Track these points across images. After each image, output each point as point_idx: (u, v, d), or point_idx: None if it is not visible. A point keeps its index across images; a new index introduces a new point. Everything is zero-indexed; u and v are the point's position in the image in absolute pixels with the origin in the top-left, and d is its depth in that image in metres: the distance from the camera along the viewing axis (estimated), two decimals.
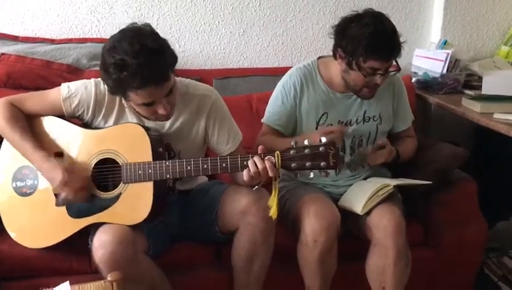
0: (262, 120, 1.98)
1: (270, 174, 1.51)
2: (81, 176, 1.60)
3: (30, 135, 1.64)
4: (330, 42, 1.87)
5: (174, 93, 1.59)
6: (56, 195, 1.65)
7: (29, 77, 2.16)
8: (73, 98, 1.66)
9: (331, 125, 1.91)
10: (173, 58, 1.55)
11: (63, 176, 1.57)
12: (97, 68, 2.17)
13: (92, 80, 1.69)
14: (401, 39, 1.78)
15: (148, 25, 1.56)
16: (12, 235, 1.69)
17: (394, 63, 1.81)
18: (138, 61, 1.45)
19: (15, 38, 2.31)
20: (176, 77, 1.61)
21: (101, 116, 1.68)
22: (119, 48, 1.47)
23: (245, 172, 1.53)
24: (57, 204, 1.65)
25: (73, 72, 2.19)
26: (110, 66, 1.48)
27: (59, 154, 1.67)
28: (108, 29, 2.42)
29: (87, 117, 1.68)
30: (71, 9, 2.40)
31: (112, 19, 2.42)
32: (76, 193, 1.59)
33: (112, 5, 2.42)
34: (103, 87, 1.67)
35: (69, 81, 1.72)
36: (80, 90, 1.66)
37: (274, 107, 1.95)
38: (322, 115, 1.91)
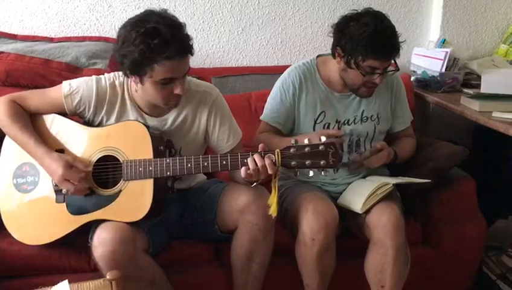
0: (260, 117, 1.98)
1: (270, 171, 1.51)
2: (81, 170, 1.60)
3: (32, 131, 1.64)
4: (329, 41, 1.87)
5: (186, 77, 1.61)
6: (56, 192, 1.65)
7: (28, 75, 2.15)
8: (74, 95, 1.66)
9: (329, 124, 1.91)
10: (191, 37, 1.58)
11: (63, 170, 1.57)
12: (96, 66, 2.20)
13: (93, 76, 1.69)
14: (400, 38, 1.78)
15: (166, 10, 1.57)
16: (12, 232, 1.69)
17: (393, 62, 1.82)
18: (172, 30, 1.49)
19: (14, 37, 2.31)
20: None
21: (102, 113, 1.68)
22: (150, 20, 1.49)
23: (243, 169, 1.53)
24: (57, 201, 1.65)
25: (72, 71, 2.19)
26: (138, 37, 1.48)
27: (60, 151, 1.66)
28: (107, 27, 2.42)
29: (89, 114, 1.68)
30: (70, 7, 2.40)
31: (111, 18, 2.42)
32: (76, 187, 1.59)
33: (110, 3, 2.42)
34: (104, 83, 1.67)
35: (68, 79, 1.72)
36: (81, 87, 1.66)
37: (273, 105, 1.95)
38: (320, 113, 1.91)
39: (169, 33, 1.48)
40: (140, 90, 1.63)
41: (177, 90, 1.57)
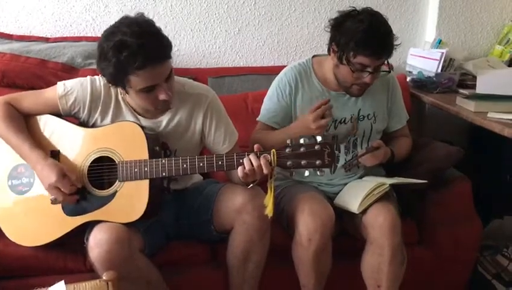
0: (257, 118, 1.97)
1: (265, 171, 1.51)
2: (73, 180, 1.59)
3: (26, 134, 1.64)
4: (325, 41, 1.87)
5: (173, 79, 1.59)
6: None
7: (24, 75, 2.15)
8: (69, 95, 1.66)
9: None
10: (169, 42, 1.56)
11: (56, 177, 1.56)
12: (92, 67, 2.20)
13: (88, 77, 1.69)
14: (397, 40, 1.78)
15: (142, 14, 1.56)
16: (7, 233, 1.68)
17: (386, 63, 1.82)
18: (138, 40, 1.46)
19: (9, 37, 2.30)
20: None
21: (97, 114, 1.68)
22: (117, 32, 1.48)
23: (240, 169, 1.53)
24: (53, 202, 1.64)
25: (68, 71, 2.19)
26: (109, 51, 1.48)
27: (55, 152, 1.66)
28: (103, 27, 2.33)
29: (84, 115, 1.68)
30: (66, 7, 2.39)
31: (107, 18, 2.42)
32: (65, 197, 1.59)
33: (106, 3, 2.41)
34: (99, 84, 1.67)
35: (63, 80, 1.72)
36: (76, 88, 1.66)
37: (270, 105, 1.95)
38: None
39: (135, 44, 1.45)
40: (129, 97, 1.63)
41: (162, 96, 1.56)
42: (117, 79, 1.54)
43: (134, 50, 1.45)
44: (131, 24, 1.49)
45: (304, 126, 1.78)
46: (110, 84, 1.60)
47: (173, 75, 1.60)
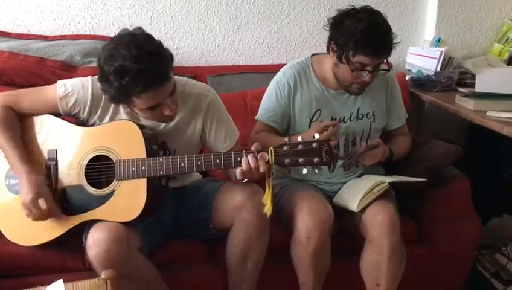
0: (256, 117, 1.97)
1: (262, 169, 1.51)
2: (44, 207, 1.57)
3: (18, 144, 1.63)
4: (324, 39, 1.87)
5: (176, 92, 1.59)
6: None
7: (23, 73, 2.14)
8: (69, 97, 1.65)
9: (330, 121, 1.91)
10: (171, 57, 1.55)
11: (30, 202, 1.56)
12: (91, 65, 2.19)
13: (89, 77, 1.67)
14: (396, 39, 1.78)
15: (140, 28, 1.55)
16: (5, 233, 1.68)
17: (385, 61, 1.82)
18: (138, 65, 1.44)
19: (8, 35, 2.29)
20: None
21: (97, 115, 1.67)
22: (117, 55, 1.46)
23: (238, 169, 1.53)
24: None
25: (67, 69, 2.18)
26: (109, 74, 1.47)
27: (53, 150, 1.66)
28: (102, 25, 2.41)
29: (83, 116, 1.68)
30: (64, 5, 2.39)
31: (106, 16, 2.41)
32: (36, 216, 1.58)
33: (105, 1, 2.41)
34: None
35: (62, 78, 1.72)
36: (77, 89, 1.65)
37: (268, 104, 1.95)
38: (316, 111, 1.91)
39: (136, 69, 1.44)
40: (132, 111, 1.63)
41: (167, 112, 1.57)
42: (120, 100, 1.56)
43: (135, 76, 1.45)
44: (130, 45, 1.46)
45: None
46: (112, 103, 1.60)
47: (176, 89, 1.59)
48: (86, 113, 1.67)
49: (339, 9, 1.82)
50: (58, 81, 1.68)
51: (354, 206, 1.77)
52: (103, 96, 1.65)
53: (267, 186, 1.55)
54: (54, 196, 1.62)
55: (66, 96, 1.65)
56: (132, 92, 1.48)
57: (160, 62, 1.49)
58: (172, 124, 1.70)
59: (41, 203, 1.57)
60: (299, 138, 1.53)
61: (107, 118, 1.68)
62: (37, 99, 1.69)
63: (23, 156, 1.61)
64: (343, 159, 1.90)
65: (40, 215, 1.59)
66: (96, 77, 1.66)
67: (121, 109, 1.68)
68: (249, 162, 1.51)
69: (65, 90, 1.65)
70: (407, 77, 2.54)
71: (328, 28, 1.83)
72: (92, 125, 1.69)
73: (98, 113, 1.67)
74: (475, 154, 2.44)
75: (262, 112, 1.97)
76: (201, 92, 1.73)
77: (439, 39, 2.59)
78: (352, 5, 1.80)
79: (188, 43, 2.51)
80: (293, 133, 1.92)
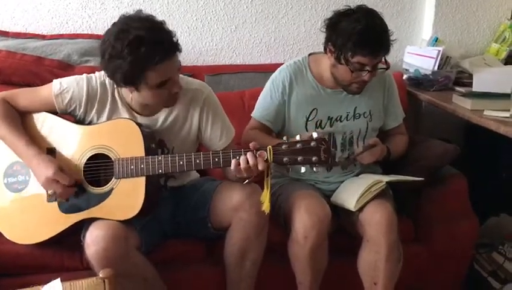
0: (251, 114, 1.98)
1: (260, 168, 1.51)
2: (70, 174, 1.58)
3: (22, 131, 1.63)
4: (322, 39, 1.87)
5: (181, 68, 1.62)
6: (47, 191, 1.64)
7: (20, 72, 2.14)
8: (65, 94, 1.65)
9: (321, 121, 1.92)
10: (174, 32, 1.57)
11: (53, 171, 1.56)
12: (89, 64, 2.19)
13: (84, 75, 1.68)
14: (393, 36, 1.79)
15: (140, 10, 1.56)
16: (3, 231, 1.68)
17: (383, 60, 1.82)
18: (154, 34, 1.47)
19: (5, 34, 2.29)
20: None
21: (93, 112, 1.67)
22: (130, 29, 1.48)
23: (235, 166, 1.53)
24: (49, 200, 1.64)
25: (65, 68, 2.18)
26: (124, 48, 1.46)
27: (51, 150, 1.66)
28: (100, 24, 2.41)
29: (80, 113, 1.68)
30: (62, 4, 2.38)
31: (103, 15, 2.41)
32: (63, 190, 1.58)
33: (103, 0, 2.40)
34: (95, 82, 1.67)
35: (60, 77, 1.72)
36: (72, 86, 1.66)
37: (263, 103, 1.95)
38: (312, 111, 1.92)
39: (153, 37, 1.47)
40: (136, 96, 1.62)
41: (175, 89, 1.59)
42: (132, 77, 1.52)
43: (153, 44, 1.46)
44: (141, 20, 1.50)
45: None
46: (122, 84, 1.57)
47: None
48: (82, 110, 1.67)
49: (335, 10, 1.82)
50: (54, 80, 1.69)
51: (351, 205, 1.77)
52: (98, 93, 1.65)
53: (265, 185, 1.55)
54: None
55: (62, 93, 1.65)
56: (149, 63, 1.48)
57: (170, 33, 1.53)
58: (168, 121, 1.70)
59: (66, 171, 1.57)
60: (297, 137, 1.53)
61: (104, 116, 1.68)
62: (34, 98, 1.69)
63: (28, 141, 1.61)
64: (341, 164, 1.91)
65: (70, 183, 1.57)
66: (91, 75, 1.67)
67: (120, 105, 1.68)
68: (247, 160, 1.52)
69: (60, 88, 1.65)
70: (405, 76, 2.55)
71: (324, 30, 1.84)
72: (90, 123, 1.69)
73: (95, 109, 1.67)
74: (472, 153, 2.44)
75: (257, 110, 1.97)
76: (197, 87, 1.73)
77: (437, 38, 2.60)
78: (348, 5, 1.80)
79: (186, 42, 2.50)
80: (288, 132, 1.92)
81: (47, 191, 1.63)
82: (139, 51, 1.46)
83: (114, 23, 1.55)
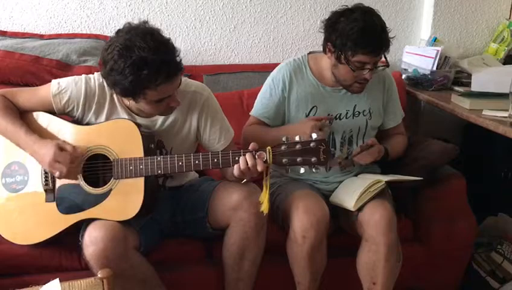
0: (250, 112, 1.98)
1: (259, 169, 1.51)
2: (72, 153, 1.57)
3: (22, 122, 1.62)
4: (321, 39, 1.87)
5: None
6: (46, 191, 1.64)
7: (18, 72, 2.13)
8: (63, 94, 1.65)
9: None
10: (178, 49, 1.55)
11: (53, 151, 1.54)
12: (87, 64, 2.19)
13: (83, 76, 1.68)
14: (391, 35, 1.79)
15: (146, 22, 1.54)
16: (1, 231, 1.68)
17: (383, 58, 1.82)
18: (159, 56, 1.45)
19: (3, 34, 2.28)
20: None
21: (91, 113, 1.67)
22: (133, 47, 1.44)
23: (236, 168, 1.53)
24: (47, 200, 1.64)
25: (63, 68, 2.18)
26: (126, 68, 1.45)
27: None
28: (98, 24, 2.41)
29: (77, 113, 1.67)
30: (60, 4, 2.38)
31: (102, 15, 2.41)
32: (68, 169, 1.56)
33: (101, 0, 2.40)
34: (93, 83, 1.66)
35: (58, 77, 1.72)
36: (70, 87, 1.65)
37: (263, 100, 1.95)
38: (312, 108, 1.91)
39: (157, 60, 1.44)
40: (133, 104, 1.62)
41: (172, 104, 1.59)
42: (131, 93, 1.53)
43: (155, 68, 1.45)
44: (145, 36, 1.46)
45: (301, 131, 1.77)
46: (120, 96, 1.58)
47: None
48: (80, 110, 1.66)
49: (333, 11, 1.82)
50: (52, 80, 1.68)
51: (350, 205, 1.77)
52: (96, 94, 1.65)
53: (264, 185, 1.55)
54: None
55: (60, 93, 1.65)
56: (150, 84, 1.48)
57: (174, 53, 1.51)
58: (167, 122, 1.70)
59: (67, 148, 1.56)
60: (297, 138, 1.53)
61: (103, 116, 1.67)
62: (32, 97, 1.68)
63: (28, 129, 1.60)
64: (339, 163, 1.91)
65: (72, 161, 1.55)
66: (90, 75, 1.67)
67: (118, 107, 1.67)
68: (247, 161, 1.51)
69: (58, 88, 1.65)
70: (404, 76, 2.55)
71: (322, 30, 1.84)
72: (88, 123, 1.68)
73: (93, 110, 1.67)
74: (471, 153, 2.45)
75: (256, 107, 1.97)
76: (196, 90, 1.73)
77: (435, 38, 2.60)
78: (346, 5, 1.80)
79: (185, 42, 2.50)
80: None
81: (45, 190, 1.62)
82: (141, 73, 1.45)
83: (118, 30, 1.52)
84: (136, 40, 1.45)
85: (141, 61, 1.44)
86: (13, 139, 1.63)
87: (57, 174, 1.58)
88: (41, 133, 1.66)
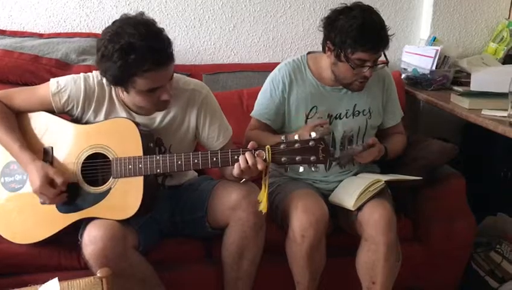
0: (251, 114, 1.98)
1: (259, 167, 1.51)
2: (59, 184, 1.56)
3: (17, 134, 1.62)
4: (320, 38, 1.88)
5: (173, 79, 1.60)
6: None
7: (17, 71, 2.13)
8: (62, 93, 1.65)
9: (321, 118, 1.91)
10: (170, 41, 1.56)
11: (41, 183, 1.55)
12: (86, 63, 2.19)
13: (81, 74, 1.68)
14: (390, 32, 1.79)
15: (142, 13, 1.56)
16: (0, 231, 1.67)
17: (382, 55, 1.82)
18: (147, 43, 1.46)
19: (2, 33, 2.28)
20: None
21: (90, 111, 1.67)
22: (123, 34, 1.47)
23: (236, 167, 1.53)
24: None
25: (62, 67, 2.17)
26: (114, 53, 1.46)
27: (48, 150, 1.65)
28: (97, 23, 2.40)
29: (77, 112, 1.67)
30: (59, 3, 2.38)
31: (101, 14, 2.40)
32: (51, 200, 1.58)
33: None
34: (92, 81, 1.66)
35: (57, 76, 1.71)
36: (69, 85, 1.65)
37: (263, 101, 1.95)
38: (312, 108, 1.91)
39: (144, 46, 1.45)
40: (126, 97, 1.63)
41: (164, 97, 1.57)
42: (121, 80, 1.53)
43: (142, 53, 1.45)
44: (137, 25, 1.48)
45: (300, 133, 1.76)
46: (111, 84, 1.58)
47: (173, 76, 1.60)
48: (79, 109, 1.66)
49: (331, 9, 1.82)
50: (51, 79, 1.68)
51: (350, 204, 1.77)
52: (96, 92, 1.65)
53: (263, 184, 1.55)
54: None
55: (59, 93, 1.64)
56: (138, 70, 1.48)
57: (166, 42, 1.51)
58: (166, 120, 1.70)
59: (57, 181, 1.55)
60: (296, 137, 1.53)
61: (102, 115, 1.67)
62: (30, 96, 1.68)
63: (23, 145, 1.60)
64: (338, 160, 1.91)
65: (55, 195, 1.56)
66: (88, 73, 1.67)
67: (117, 105, 1.67)
68: (246, 160, 1.51)
69: (58, 87, 1.65)
70: (403, 76, 2.55)
71: (322, 29, 1.84)
72: (87, 122, 1.68)
73: (92, 109, 1.66)
74: (470, 153, 2.45)
75: (256, 109, 1.97)
76: (195, 88, 1.73)
77: (435, 38, 2.60)
78: (345, 3, 1.81)
79: (184, 41, 2.50)
80: (288, 129, 1.92)
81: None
82: (128, 58, 1.46)
83: (114, 21, 1.55)
84: (127, 28, 1.48)
85: (129, 47, 1.45)
86: (7, 149, 1.63)
87: (40, 200, 1.60)
88: (40, 135, 1.66)
